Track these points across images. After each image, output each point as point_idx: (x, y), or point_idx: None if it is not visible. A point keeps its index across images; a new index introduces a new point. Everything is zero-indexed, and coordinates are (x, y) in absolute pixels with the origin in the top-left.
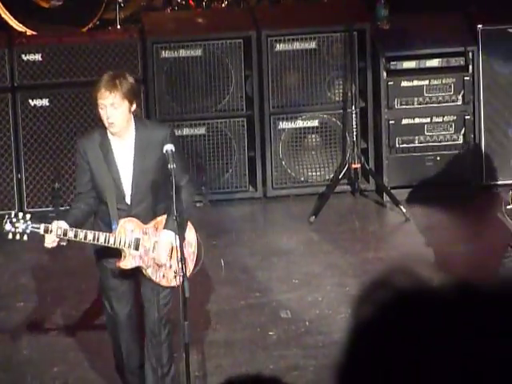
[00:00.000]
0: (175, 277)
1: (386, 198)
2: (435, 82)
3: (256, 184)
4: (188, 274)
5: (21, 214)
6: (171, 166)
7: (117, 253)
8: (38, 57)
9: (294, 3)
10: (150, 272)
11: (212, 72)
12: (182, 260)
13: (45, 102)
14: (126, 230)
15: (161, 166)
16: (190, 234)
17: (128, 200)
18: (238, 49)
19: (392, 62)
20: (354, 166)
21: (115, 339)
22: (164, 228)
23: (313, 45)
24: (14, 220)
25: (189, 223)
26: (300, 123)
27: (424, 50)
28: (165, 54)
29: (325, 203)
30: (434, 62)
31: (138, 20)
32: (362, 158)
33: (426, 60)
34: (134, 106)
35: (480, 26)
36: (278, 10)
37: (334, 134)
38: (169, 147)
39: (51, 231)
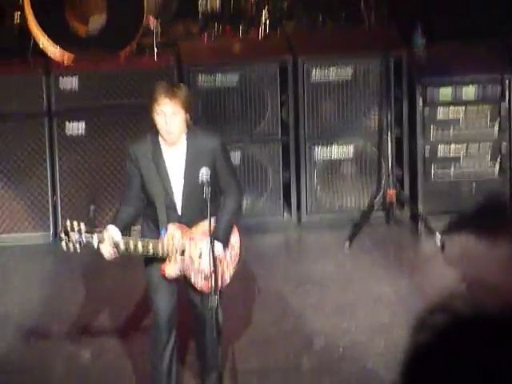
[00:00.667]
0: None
1: (421, 226)
2: (471, 110)
3: (291, 210)
4: (229, 278)
5: (76, 224)
6: (206, 195)
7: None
8: (74, 82)
9: (330, 30)
10: (193, 278)
11: (248, 98)
12: (216, 289)
13: (81, 127)
14: (174, 237)
15: (212, 174)
16: (234, 236)
17: (179, 209)
18: (274, 75)
19: (428, 90)
20: (389, 193)
21: (156, 347)
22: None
23: (349, 72)
24: (69, 229)
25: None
26: (335, 150)
27: (460, 78)
28: (201, 80)
29: (359, 231)
30: (471, 90)
31: (175, 46)
32: (398, 186)
33: (463, 87)
34: (188, 116)
35: None
36: (314, 37)
37: (370, 161)
38: (204, 176)
39: (104, 240)
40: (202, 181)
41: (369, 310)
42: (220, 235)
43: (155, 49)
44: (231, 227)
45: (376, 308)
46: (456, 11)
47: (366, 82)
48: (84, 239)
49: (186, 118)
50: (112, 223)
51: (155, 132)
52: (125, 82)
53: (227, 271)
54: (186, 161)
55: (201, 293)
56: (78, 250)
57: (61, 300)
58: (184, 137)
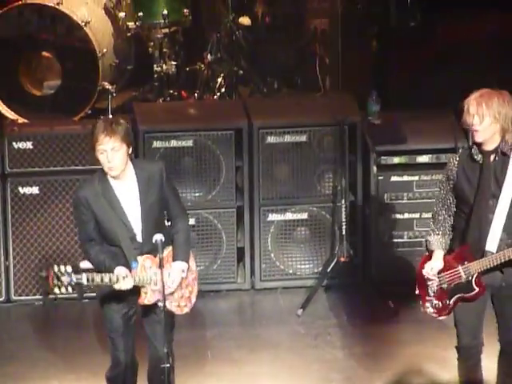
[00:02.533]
0: (186, 304)
1: (373, 292)
2: (425, 178)
3: (244, 276)
4: (195, 300)
5: (63, 268)
6: (160, 255)
7: (124, 294)
8: (29, 144)
9: (286, 96)
10: (167, 304)
11: (203, 163)
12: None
13: (35, 189)
14: (145, 268)
15: (162, 198)
16: (191, 261)
17: (139, 238)
18: (229, 140)
19: (383, 157)
20: (342, 259)
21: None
22: (175, 259)
23: (303, 138)
24: (59, 274)
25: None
26: (289, 215)
27: (415, 146)
28: (156, 143)
29: (313, 296)
30: (425, 158)
31: (130, 110)
32: (351, 252)
33: (417, 156)
34: (131, 148)
35: None
36: (269, 103)
37: (323, 227)
38: (158, 237)
39: (92, 280)
40: (156, 240)
41: (321, 377)
42: (183, 257)
43: (110, 112)
44: (189, 249)
45: (328, 375)
46: (409, 80)
47: (320, 147)
48: (75, 280)
49: (129, 151)
50: (110, 264)
51: (101, 171)
52: (80, 145)
53: (192, 293)
54: (140, 190)
55: (160, 327)
56: (70, 291)
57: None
58: (131, 168)
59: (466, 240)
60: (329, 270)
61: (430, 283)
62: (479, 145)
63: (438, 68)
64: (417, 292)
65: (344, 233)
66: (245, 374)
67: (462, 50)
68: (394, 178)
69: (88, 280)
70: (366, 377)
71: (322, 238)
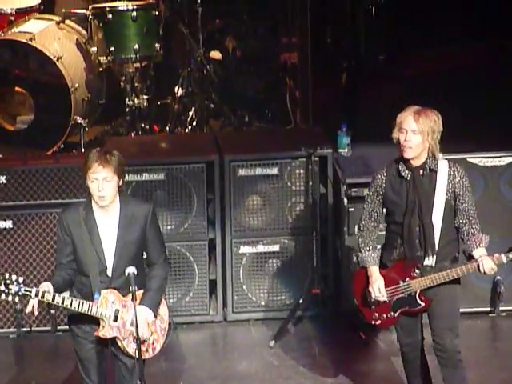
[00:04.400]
0: (147, 350)
1: (345, 323)
2: None
3: (217, 308)
4: (159, 349)
5: (14, 277)
6: (133, 288)
7: (93, 323)
8: (2, 179)
9: (256, 129)
10: (125, 344)
11: (175, 196)
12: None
13: (8, 223)
14: (107, 301)
15: (142, 240)
16: (163, 309)
17: (109, 273)
18: (201, 173)
19: (353, 189)
20: (314, 291)
21: None
22: (141, 303)
23: (275, 170)
24: (8, 282)
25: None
26: (261, 248)
27: None
28: (128, 177)
29: (285, 328)
30: None
31: (103, 143)
32: (322, 284)
33: None
34: (121, 181)
35: None
36: (240, 136)
37: (295, 259)
38: (131, 270)
39: (42, 295)
40: (128, 273)
41: None
42: (151, 303)
43: (82, 146)
44: (160, 297)
45: None
46: (379, 113)
47: (291, 180)
48: (23, 291)
49: (119, 182)
50: (46, 281)
51: (88, 198)
52: (52, 179)
53: (157, 341)
54: (119, 226)
55: (127, 368)
56: (16, 301)
57: None
58: (117, 202)
59: (401, 254)
60: (300, 301)
61: (369, 298)
62: (406, 160)
63: (407, 101)
64: (356, 302)
65: (315, 265)
66: None
67: (430, 83)
68: None
69: (37, 294)
70: None
71: (294, 269)
